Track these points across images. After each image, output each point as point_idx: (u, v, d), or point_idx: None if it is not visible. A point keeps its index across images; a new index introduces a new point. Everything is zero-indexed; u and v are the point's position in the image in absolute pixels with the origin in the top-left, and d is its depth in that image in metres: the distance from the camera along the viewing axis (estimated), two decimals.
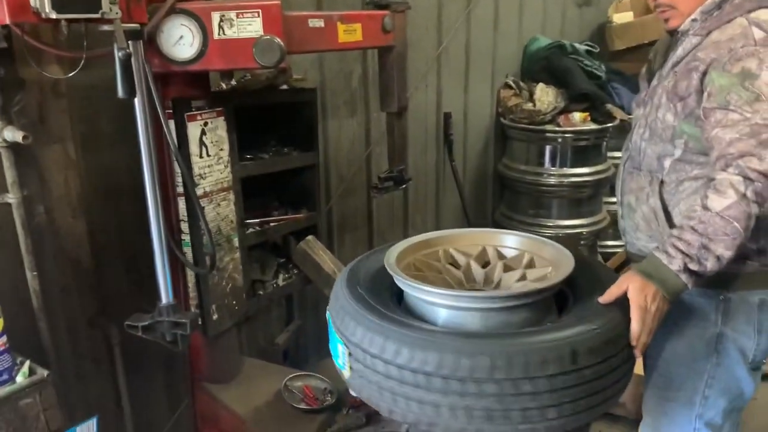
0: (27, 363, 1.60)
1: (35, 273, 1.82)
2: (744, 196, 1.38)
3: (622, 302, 1.47)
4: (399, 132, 2.47)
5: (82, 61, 1.54)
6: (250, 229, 2.27)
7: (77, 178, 2.09)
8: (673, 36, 1.70)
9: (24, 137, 1.65)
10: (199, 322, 2.03)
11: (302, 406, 2.19)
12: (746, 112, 1.43)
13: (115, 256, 2.25)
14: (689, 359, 1.71)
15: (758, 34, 1.47)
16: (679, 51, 1.62)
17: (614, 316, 1.45)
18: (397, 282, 1.61)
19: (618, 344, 1.42)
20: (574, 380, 1.34)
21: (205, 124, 1.97)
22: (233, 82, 2.25)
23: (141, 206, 1.83)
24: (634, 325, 1.43)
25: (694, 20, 1.61)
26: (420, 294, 1.55)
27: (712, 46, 1.53)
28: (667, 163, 1.66)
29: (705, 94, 1.52)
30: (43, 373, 1.57)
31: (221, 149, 2.03)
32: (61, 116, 2.02)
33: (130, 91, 1.53)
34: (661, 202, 1.66)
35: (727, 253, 1.41)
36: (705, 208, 1.42)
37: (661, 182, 1.67)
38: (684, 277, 1.43)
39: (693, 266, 1.42)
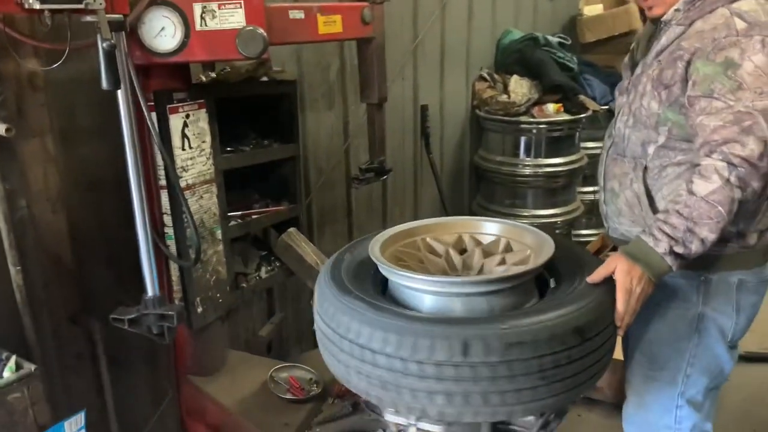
0: (13, 358, 1.59)
1: (18, 268, 1.81)
2: (728, 181, 1.43)
3: (608, 282, 1.51)
4: (379, 123, 2.49)
5: (66, 53, 1.53)
6: (233, 222, 2.27)
7: (56, 172, 2.07)
8: (656, 25, 1.74)
9: (7, 129, 1.63)
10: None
11: (288, 396, 2.21)
12: (729, 100, 1.47)
13: (96, 251, 2.23)
14: (672, 339, 1.76)
15: (740, 24, 1.52)
16: (663, 40, 1.66)
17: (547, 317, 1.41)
18: (380, 269, 1.64)
19: (526, 349, 1.36)
20: (466, 373, 1.35)
21: (187, 116, 1.97)
22: (213, 75, 2.25)
23: (122, 200, 1.82)
24: (619, 306, 1.48)
25: (677, 10, 1.64)
26: (396, 278, 1.60)
27: (696, 36, 1.56)
28: (650, 149, 1.69)
29: (690, 82, 1.56)
30: (30, 367, 1.56)
31: (203, 141, 2.03)
32: (40, 110, 1.99)
33: (115, 83, 1.53)
34: (645, 187, 1.70)
35: (711, 236, 1.46)
36: (690, 192, 1.47)
37: (645, 168, 1.70)
38: (669, 260, 1.48)
39: (678, 249, 1.47)
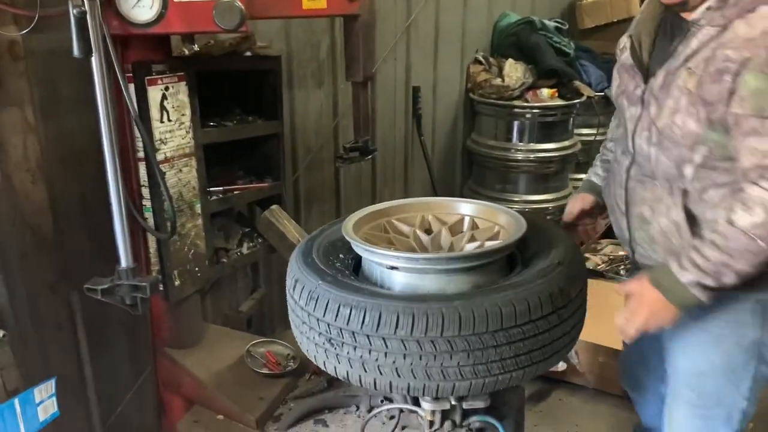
0: None
1: None
2: None
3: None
4: (364, 102, 2.47)
5: (36, 19, 1.52)
6: (214, 197, 2.27)
7: (37, 143, 2.06)
8: (661, 18, 1.54)
9: None
10: (161, 288, 2.04)
11: (264, 371, 2.21)
12: None
13: (76, 222, 2.24)
14: (727, 370, 1.60)
15: None
16: (694, 43, 1.44)
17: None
18: (353, 246, 1.66)
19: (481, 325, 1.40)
20: (414, 347, 1.41)
21: (166, 88, 1.96)
22: (196, 48, 2.24)
23: (103, 172, 1.82)
24: (617, 320, 1.46)
25: (709, 8, 1.42)
26: (364, 253, 1.63)
27: (746, 45, 1.35)
28: (688, 170, 1.49)
29: (735, 97, 1.36)
30: None
31: (183, 114, 2.03)
32: (19, 79, 1.99)
33: (86, 50, 1.52)
34: (685, 213, 1.51)
35: (749, 270, 1.35)
36: (730, 223, 1.34)
37: (684, 191, 1.51)
38: (696, 291, 1.38)
39: (708, 282, 1.37)
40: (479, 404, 1.66)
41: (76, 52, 1.51)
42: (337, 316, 1.44)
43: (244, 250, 2.45)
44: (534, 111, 3.94)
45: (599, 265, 3.71)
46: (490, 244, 1.66)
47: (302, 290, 1.54)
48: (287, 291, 1.66)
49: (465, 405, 1.68)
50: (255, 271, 3.00)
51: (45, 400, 1.67)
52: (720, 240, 1.34)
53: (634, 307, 1.44)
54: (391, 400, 1.90)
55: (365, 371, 1.46)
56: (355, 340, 1.44)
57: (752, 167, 1.34)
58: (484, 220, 1.79)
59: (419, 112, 3.73)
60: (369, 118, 2.51)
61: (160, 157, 1.96)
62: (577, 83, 4.05)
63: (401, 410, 1.87)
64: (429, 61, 3.83)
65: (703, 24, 1.42)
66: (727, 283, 1.36)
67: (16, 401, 1.59)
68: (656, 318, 1.43)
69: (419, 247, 1.76)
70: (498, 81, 3.95)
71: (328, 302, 1.46)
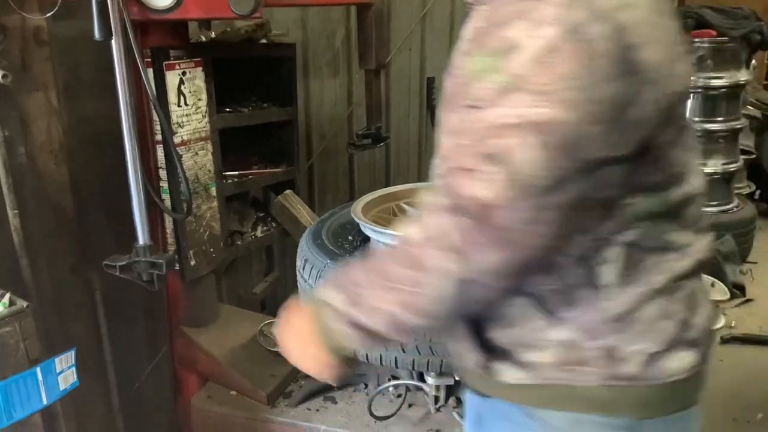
0: (7, 295, 1.66)
1: (16, 212, 1.88)
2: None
3: None
4: (377, 90, 2.52)
5: (58, 4, 1.59)
6: (229, 180, 2.34)
7: (60, 125, 2.14)
8: None
9: (3, 75, 1.70)
10: (177, 267, 2.10)
11: (276, 349, 2.26)
12: None
13: (97, 203, 2.31)
14: None
15: None
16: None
17: None
18: (361, 227, 1.71)
19: None
20: None
21: (183, 73, 2.02)
22: (212, 35, 2.30)
23: (122, 154, 1.89)
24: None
25: None
26: (372, 234, 1.67)
27: None
28: None
29: None
30: (22, 303, 1.63)
31: (199, 99, 2.09)
32: (44, 64, 2.06)
33: (106, 33, 1.59)
34: None
35: (385, 309, 0.91)
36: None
37: None
38: (335, 321, 0.97)
39: (341, 305, 0.97)
40: None
41: (96, 34, 1.58)
42: None
43: (258, 234, 2.52)
44: None
45: None
46: None
47: (312, 269, 1.60)
48: (297, 270, 1.72)
49: None
50: (269, 255, 3.07)
51: (65, 369, 1.73)
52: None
53: (283, 326, 1.10)
54: (397, 378, 1.96)
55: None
56: None
57: None
58: None
59: (433, 102, 3.76)
60: (381, 105, 2.56)
61: (177, 140, 2.02)
62: None
63: (408, 388, 1.93)
64: (444, 52, 3.85)
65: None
66: (363, 320, 0.93)
67: (38, 370, 1.65)
68: (306, 354, 1.04)
69: None
70: None
71: None
